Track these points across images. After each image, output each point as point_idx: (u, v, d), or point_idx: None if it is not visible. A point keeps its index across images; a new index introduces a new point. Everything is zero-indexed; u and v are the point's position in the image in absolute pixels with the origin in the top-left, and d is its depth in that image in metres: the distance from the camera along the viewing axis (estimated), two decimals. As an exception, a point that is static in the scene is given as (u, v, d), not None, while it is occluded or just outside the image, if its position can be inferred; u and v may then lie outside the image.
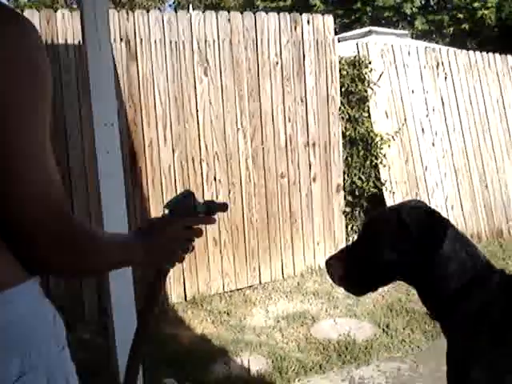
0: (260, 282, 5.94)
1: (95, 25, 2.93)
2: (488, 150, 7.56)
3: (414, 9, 17.91)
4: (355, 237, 6.70)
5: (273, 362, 4.38)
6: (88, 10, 2.93)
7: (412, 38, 15.93)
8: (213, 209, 1.62)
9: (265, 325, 5.10)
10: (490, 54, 7.95)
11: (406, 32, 12.93)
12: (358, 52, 6.69)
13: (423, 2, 18.04)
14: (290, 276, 6.12)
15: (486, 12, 18.19)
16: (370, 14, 18.79)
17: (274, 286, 5.94)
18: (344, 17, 19.38)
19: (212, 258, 5.66)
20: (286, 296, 5.72)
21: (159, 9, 22.51)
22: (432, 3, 19.26)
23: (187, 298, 5.56)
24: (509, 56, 8.10)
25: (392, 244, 1.91)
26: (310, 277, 6.15)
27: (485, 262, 1.90)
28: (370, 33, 11.65)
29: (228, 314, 5.31)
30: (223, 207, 1.67)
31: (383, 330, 4.94)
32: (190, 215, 1.54)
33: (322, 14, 6.44)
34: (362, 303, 5.51)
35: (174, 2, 26.70)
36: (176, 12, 6.11)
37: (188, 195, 1.57)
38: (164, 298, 5.38)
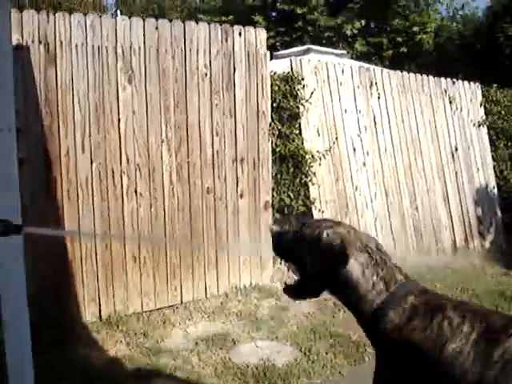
0: (181, 302, 5.67)
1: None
2: (419, 170, 7.56)
3: (354, 30, 18.07)
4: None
5: (186, 388, 4.15)
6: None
7: (352, 58, 16.06)
8: None
9: (182, 347, 4.84)
10: (424, 75, 7.99)
11: (345, 52, 12.97)
12: (292, 68, 6.57)
13: (363, 24, 18.21)
14: (213, 295, 5.87)
15: (424, 36, 18.57)
16: (311, 33, 18.86)
17: (195, 305, 5.68)
18: (285, 35, 19.41)
19: (130, 275, 5.36)
20: (208, 316, 5.49)
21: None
22: (372, 25, 19.49)
23: (102, 318, 5.22)
24: (442, 79, 8.16)
25: (311, 258, 2.14)
26: (235, 296, 5.93)
27: (402, 284, 2.03)
28: (308, 51, 11.62)
29: (145, 335, 5.01)
30: None
31: (305, 353, 4.77)
32: None
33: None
34: (285, 325, 5.34)
35: (115, 12, 26.26)
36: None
37: None
38: (76, 317, 5.05)
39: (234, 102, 5.88)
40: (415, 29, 18.54)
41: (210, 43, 5.73)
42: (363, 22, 18.39)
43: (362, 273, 2.04)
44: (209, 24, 5.81)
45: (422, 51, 18.83)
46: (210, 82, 5.72)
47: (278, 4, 18.61)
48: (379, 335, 2.00)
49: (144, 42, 5.35)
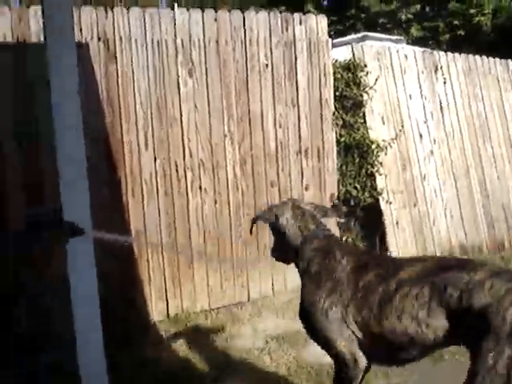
0: (249, 299, 5.58)
1: (58, 20, 2.55)
2: (488, 156, 7.25)
3: (409, 15, 17.59)
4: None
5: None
6: (50, 6, 2.55)
7: (408, 44, 15.66)
8: None
9: (253, 346, 4.70)
10: (490, 58, 7.65)
11: (402, 38, 12.59)
12: (353, 55, 6.35)
13: (419, 9, 17.72)
14: (280, 292, 5.73)
15: (482, 18, 17.93)
16: (364, 20, 18.48)
17: (263, 302, 5.58)
18: (338, 23, 19.07)
19: (197, 272, 5.29)
20: (277, 313, 5.35)
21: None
22: (427, 10, 18.96)
23: (170, 316, 5.17)
24: (509, 60, 7.80)
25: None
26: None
27: (313, 230, 2.95)
28: (365, 38, 11.34)
29: (214, 333, 4.91)
30: None
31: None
32: None
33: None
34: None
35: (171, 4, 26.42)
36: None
37: None
38: (144, 316, 5.00)
39: (297, 92, 5.72)
40: (472, 11, 17.92)
41: (270, 32, 5.59)
42: (418, 6, 17.88)
43: (287, 224, 3.00)
44: (268, 13, 5.65)
45: (480, 33, 18.21)
46: (272, 72, 5.59)
47: (330, -9, 18.31)
48: (299, 266, 2.98)
49: (203, 34, 5.25)
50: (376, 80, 6.25)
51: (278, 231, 3.06)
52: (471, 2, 18.18)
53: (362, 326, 2.63)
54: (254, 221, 3.19)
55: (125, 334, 4.58)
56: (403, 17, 17.32)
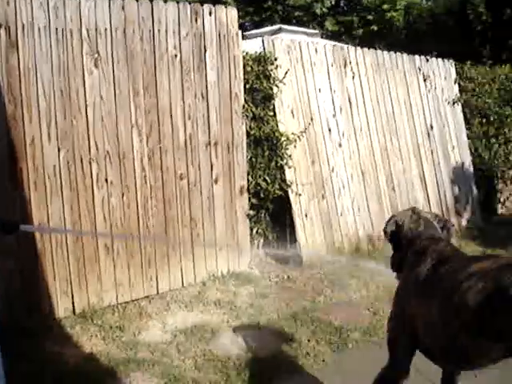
0: (158, 292, 5.51)
1: None
2: (395, 150, 7.45)
3: (324, 9, 17.91)
4: (261, 241, 6.41)
5: (166, 383, 3.99)
6: None
7: (323, 38, 15.89)
8: None
9: (160, 340, 4.68)
10: (398, 53, 7.86)
11: (317, 31, 12.80)
12: (264, 48, 6.38)
13: (333, 3, 18.04)
14: (190, 284, 5.72)
15: (394, 14, 18.45)
16: (280, 12, 18.64)
17: (172, 295, 5.52)
18: (255, 15, 19.15)
19: (104, 266, 5.17)
20: (186, 306, 5.33)
21: None
22: (342, 4, 19.35)
23: (76, 312, 5.04)
24: (416, 56, 8.05)
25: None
26: (213, 284, 5.79)
27: (418, 231, 3.15)
28: (280, 30, 11.44)
29: (121, 328, 4.83)
30: None
31: (286, 342, 4.65)
32: None
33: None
34: (265, 313, 5.21)
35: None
36: None
37: None
38: (48, 312, 4.86)
39: (206, 84, 5.69)
40: (385, 6, 18.41)
41: (179, 23, 5.52)
42: (333, 0, 18.21)
43: (403, 225, 3.20)
44: (178, 3, 5.58)
45: (393, 29, 18.72)
46: (181, 63, 5.53)
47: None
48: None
49: (110, 24, 5.12)
50: (286, 73, 6.30)
51: (396, 238, 3.26)
52: (384, -3, 18.69)
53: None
54: (385, 233, 3.39)
55: (29, 332, 4.46)
56: (318, 10, 17.61)
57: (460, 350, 2.58)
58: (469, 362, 2.67)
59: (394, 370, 3.03)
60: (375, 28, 18.28)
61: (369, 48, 7.66)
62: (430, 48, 15.29)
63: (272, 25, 14.82)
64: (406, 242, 3.14)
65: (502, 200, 9.26)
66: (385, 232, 3.37)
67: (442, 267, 2.77)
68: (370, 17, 18.44)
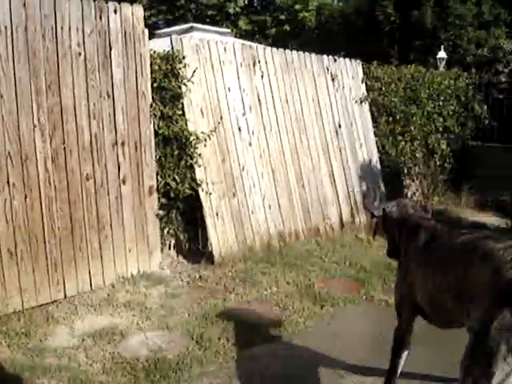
0: (65, 296, 5.36)
1: None
2: (304, 148, 7.56)
3: (237, 9, 17.99)
4: (172, 241, 6.37)
5: (72, 388, 3.91)
6: None
7: (236, 37, 15.94)
8: None
9: (68, 345, 4.56)
10: (307, 53, 7.97)
11: (229, 30, 12.84)
12: (172, 46, 6.32)
13: (246, 3, 18.15)
14: (99, 287, 5.61)
15: (306, 14, 18.78)
16: (194, 11, 18.58)
17: (80, 299, 5.39)
18: (168, 13, 19.02)
19: (7, 271, 4.98)
20: (95, 310, 5.22)
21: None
22: (255, 4, 19.48)
23: (-23, 320, 4.84)
24: (324, 56, 8.19)
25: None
26: (122, 286, 5.70)
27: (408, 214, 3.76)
28: (191, 29, 11.39)
29: (27, 334, 4.67)
30: None
31: (197, 341, 4.65)
32: None
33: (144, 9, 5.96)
34: (176, 313, 5.19)
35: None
36: None
37: None
38: None
39: (112, 83, 5.58)
40: (297, 7, 18.71)
41: (83, 21, 5.38)
42: (246, 0, 18.32)
43: (392, 211, 3.81)
44: (81, 0, 5.44)
45: (305, 29, 19.06)
46: (85, 61, 5.39)
47: (159, -19, 18.18)
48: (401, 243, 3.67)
49: (11, 21, 4.92)
50: (194, 72, 6.27)
51: (386, 223, 3.88)
52: (296, -2, 18.99)
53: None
54: (372, 216, 4.16)
55: None
56: (231, 10, 17.68)
57: (446, 312, 3.09)
58: (451, 322, 3.19)
59: (401, 328, 3.63)
60: (288, 28, 18.55)
61: (282, 47, 7.74)
62: (341, 48, 15.72)
63: (186, 23, 14.76)
64: (396, 224, 3.73)
65: (409, 195, 9.59)
66: (372, 215, 4.15)
67: (434, 241, 3.31)
68: (282, 17, 18.70)
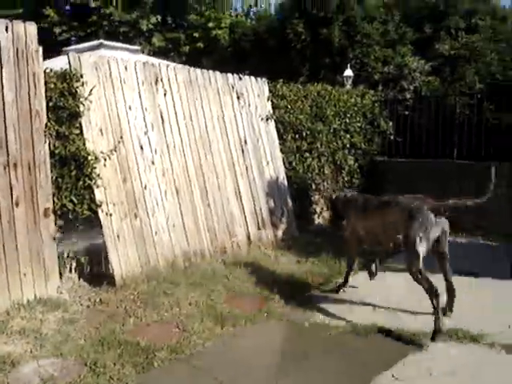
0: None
1: None
2: (209, 166, 7.54)
3: (150, 25, 17.88)
4: (73, 264, 6.20)
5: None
6: None
7: (149, 54, 15.85)
8: None
9: (-48, 377, 4.34)
10: (211, 71, 7.98)
11: (139, 48, 12.75)
12: (70, 64, 6.19)
13: (159, 20, 18.07)
14: (-9, 313, 5.38)
15: (219, 32, 18.90)
16: (106, 28, 18.34)
17: (-28, 327, 5.15)
18: (80, 29, 18.70)
19: None
20: (-13, 338, 4.99)
21: None
22: (169, 21, 19.43)
23: None
24: (229, 74, 8.22)
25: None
26: (17, 313, 5.48)
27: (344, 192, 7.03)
28: (100, 46, 11.24)
29: None
30: None
31: (91, 367, 4.52)
32: None
33: (55, 25, 5.80)
34: (72, 339, 5.03)
35: None
36: None
37: None
38: None
39: (3, 103, 5.40)
40: (211, 24, 18.80)
41: (-29, 39, 5.20)
42: (159, 17, 18.25)
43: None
44: (-30, 18, 5.26)
45: (219, 47, 19.16)
46: (-27, 81, 5.20)
47: (71, -4, 17.88)
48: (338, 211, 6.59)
49: None
50: (91, 90, 6.16)
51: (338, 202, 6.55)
52: (210, 16, 19.08)
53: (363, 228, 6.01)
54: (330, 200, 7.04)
55: None
56: (144, 27, 17.56)
57: (376, 237, 5.81)
58: (379, 243, 5.90)
59: (352, 258, 6.41)
60: (202, 45, 18.59)
61: (196, 65, 7.71)
62: (255, 65, 15.88)
63: (99, 40, 14.56)
64: (344, 201, 6.42)
65: (318, 211, 9.73)
66: (331, 199, 7.05)
67: (367, 202, 6.04)
68: (196, 34, 18.73)
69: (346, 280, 6.39)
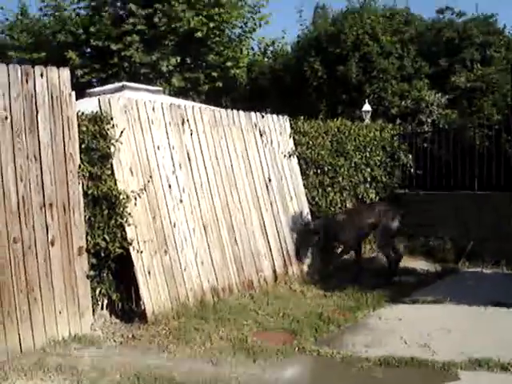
0: (-8, 361, 5.23)
1: None
2: (235, 203, 7.71)
3: (170, 67, 18.21)
4: (105, 301, 6.33)
5: None
6: None
7: (170, 94, 16.15)
8: None
9: (-5, 413, 4.46)
10: (235, 110, 8.21)
11: (160, 88, 13.00)
12: (100, 107, 6.42)
13: (179, 61, 18.42)
14: (29, 351, 5.50)
15: (237, 71, 19.22)
16: (127, 70, 18.72)
17: (10, 364, 5.27)
18: (101, 71, 19.10)
19: None
20: (25, 375, 5.09)
21: None
22: (188, 61, 19.79)
23: None
24: (252, 113, 8.43)
25: None
26: (53, 350, 5.61)
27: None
28: (123, 88, 11.50)
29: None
30: None
31: (129, 402, 4.60)
32: None
33: (76, 68, 6.05)
34: (108, 374, 5.12)
35: None
36: None
37: None
38: None
39: (39, 146, 5.63)
40: (229, 64, 19.12)
41: (9, 85, 5.44)
42: (179, 58, 18.60)
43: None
44: (7, 65, 5.51)
45: (237, 85, 19.48)
46: (11, 124, 5.43)
47: (92, 40, 18.24)
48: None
49: None
50: (121, 132, 6.37)
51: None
52: (228, 55, 19.43)
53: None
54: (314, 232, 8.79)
55: None
56: (164, 68, 17.90)
57: (364, 232, 8.78)
58: (367, 235, 9.05)
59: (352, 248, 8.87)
60: (220, 84, 18.90)
61: (215, 103, 7.94)
62: (273, 102, 16.15)
63: (119, 81, 14.90)
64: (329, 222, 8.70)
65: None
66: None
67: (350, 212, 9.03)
68: (214, 73, 19.02)
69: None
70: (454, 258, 9.54)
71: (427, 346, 5.72)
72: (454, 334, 6.01)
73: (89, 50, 19.94)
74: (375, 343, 5.87)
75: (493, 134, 10.46)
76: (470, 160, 10.34)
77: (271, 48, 22.58)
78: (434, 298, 7.33)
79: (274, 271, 8.05)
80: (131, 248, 6.29)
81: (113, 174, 6.29)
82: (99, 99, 6.56)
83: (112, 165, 6.31)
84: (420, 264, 9.56)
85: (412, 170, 11.19)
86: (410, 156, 11.23)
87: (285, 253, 8.30)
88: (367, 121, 13.04)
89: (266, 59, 21.40)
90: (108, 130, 6.31)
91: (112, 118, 6.38)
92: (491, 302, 6.95)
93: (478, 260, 9.28)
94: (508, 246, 8.86)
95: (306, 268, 8.59)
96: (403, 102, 14.29)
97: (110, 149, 6.30)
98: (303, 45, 17.47)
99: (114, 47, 18.33)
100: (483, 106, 12.25)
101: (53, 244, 5.70)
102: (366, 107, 13.59)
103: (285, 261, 8.25)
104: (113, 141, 6.31)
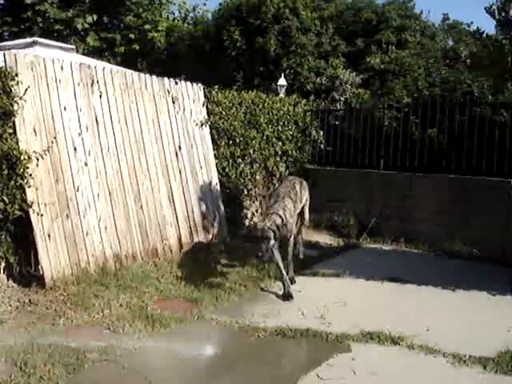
0: None
1: None
2: (143, 169, 7.59)
3: (85, 25, 17.65)
4: (2, 264, 6.12)
5: None
6: None
7: (84, 54, 15.65)
8: None
9: None
10: (148, 75, 8.04)
11: (73, 47, 12.56)
12: (5, 63, 6.13)
13: (95, 19, 17.86)
14: None
15: (156, 34, 18.86)
16: (40, 24, 17.99)
17: None
18: (13, 25, 18.28)
19: None
20: None
21: None
22: (105, 21, 19.22)
23: None
24: (165, 79, 8.29)
25: None
26: None
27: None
28: (34, 43, 11.04)
29: None
30: None
31: (21, 368, 4.52)
32: None
33: None
34: (0, 339, 4.97)
35: None
36: None
37: None
38: None
39: None
40: (147, 26, 18.74)
41: None
42: (95, 16, 18.03)
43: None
44: None
45: (155, 49, 19.11)
46: None
47: (4, -9, 17.46)
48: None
49: None
50: (26, 90, 6.12)
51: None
52: (146, 18, 19.01)
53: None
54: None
55: None
56: (79, 25, 17.32)
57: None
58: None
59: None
60: (137, 47, 18.50)
61: (131, 67, 7.72)
62: (190, 70, 15.96)
63: (33, 36, 14.28)
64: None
65: (249, 216, 9.91)
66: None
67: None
68: (132, 35, 18.61)
69: None
70: (356, 234, 9.84)
71: (323, 317, 5.90)
72: (349, 307, 6.22)
73: (1, 1, 19.05)
74: (273, 314, 5.99)
75: (401, 116, 10.76)
76: (378, 140, 10.62)
77: (192, 14, 22.30)
78: (333, 272, 7.55)
79: (180, 240, 8.02)
80: (31, 211, 6.09)
81: (15, 132, 6.05)
82: (4, 54, 6.26)
83: (14, 123, 6.07)
84: (324, 238, 9.80)
85: (322, 146, 11.37)
86: (322, 132, 11.40)
87: (191, 222, 8.28)
88: (282, 95, 13.13)
89: (186, 25, 21.08)
90: (12, 86, 6.05)
91: (17, 75, 6.12)
92: (388, 277, 7.24)
93: (379, 237, 9.62)
94: (408, 225, 9.25)
95: (212, 238, 8.60)
96: (318, 79, 14.49)
97: (13, 106, 6.05)
98: (224, 13, 17.33)
99: (28, 0, 17.57)
100: (394, 88, 12.55)
101: None
102: (282, 81, 13.69)
103: (191, 230, 8.24)
104: (16, 98, 6.06)
